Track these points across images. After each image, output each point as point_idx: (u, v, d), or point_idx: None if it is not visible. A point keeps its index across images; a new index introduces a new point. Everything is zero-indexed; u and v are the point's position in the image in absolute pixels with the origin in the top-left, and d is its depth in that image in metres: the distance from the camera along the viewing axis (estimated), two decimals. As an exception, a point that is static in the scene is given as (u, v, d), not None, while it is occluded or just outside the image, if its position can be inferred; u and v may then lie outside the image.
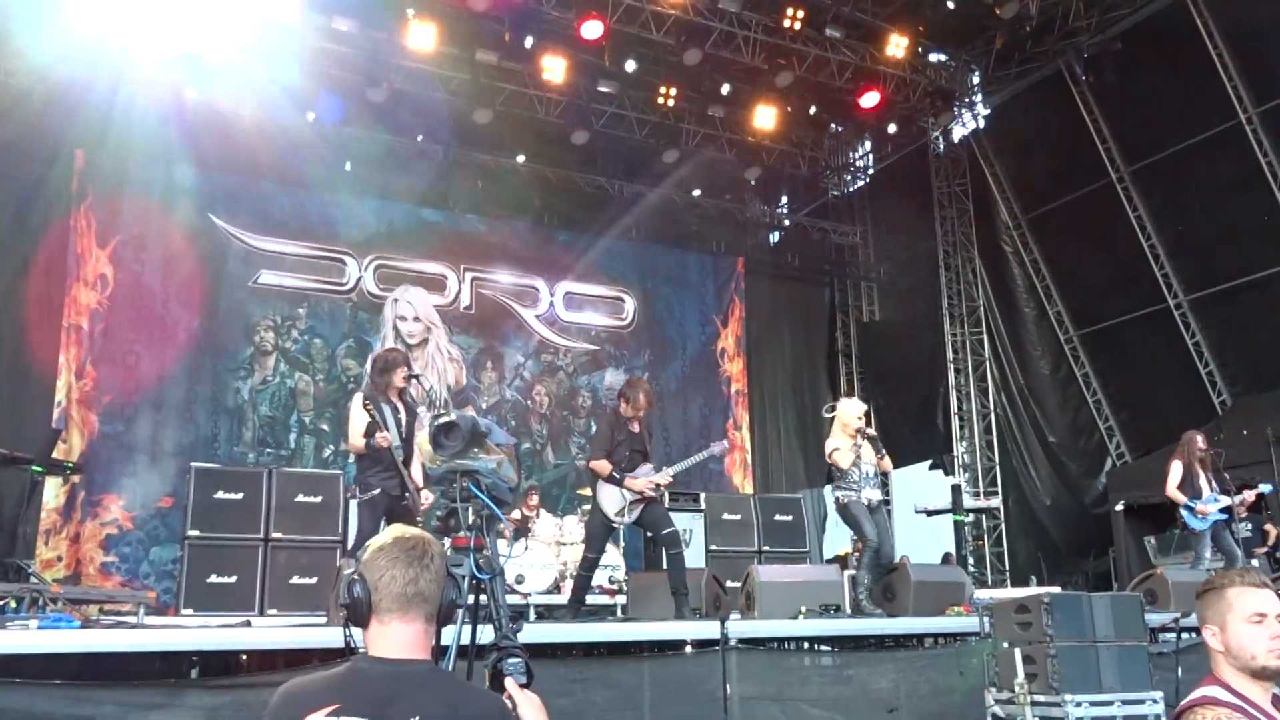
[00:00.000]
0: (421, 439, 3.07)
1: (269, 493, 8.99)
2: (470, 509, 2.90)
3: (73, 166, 11.64)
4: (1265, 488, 9.26)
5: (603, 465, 6.96)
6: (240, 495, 8.88)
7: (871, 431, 7.63)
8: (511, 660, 2.39)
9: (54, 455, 8.89)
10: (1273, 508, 10.83)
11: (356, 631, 2.12)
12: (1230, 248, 12.65)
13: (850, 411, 7.58)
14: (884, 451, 7.61)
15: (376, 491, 6.23)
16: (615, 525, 7.09)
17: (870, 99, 13.43)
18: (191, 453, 11.43)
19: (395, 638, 2.04)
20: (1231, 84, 12.05)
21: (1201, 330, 13.23)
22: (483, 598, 2.86)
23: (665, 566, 7.06)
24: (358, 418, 6.34)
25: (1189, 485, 8.56)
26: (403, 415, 6.43)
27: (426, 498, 6.38)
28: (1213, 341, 13.20)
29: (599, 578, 8.99)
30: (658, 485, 7.06)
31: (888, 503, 7.80)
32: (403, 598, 2.04)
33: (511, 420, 13.44)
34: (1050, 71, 13.57)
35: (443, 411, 2.95)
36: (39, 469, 8.10)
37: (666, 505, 10.75)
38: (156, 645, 4.70)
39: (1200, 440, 8.76)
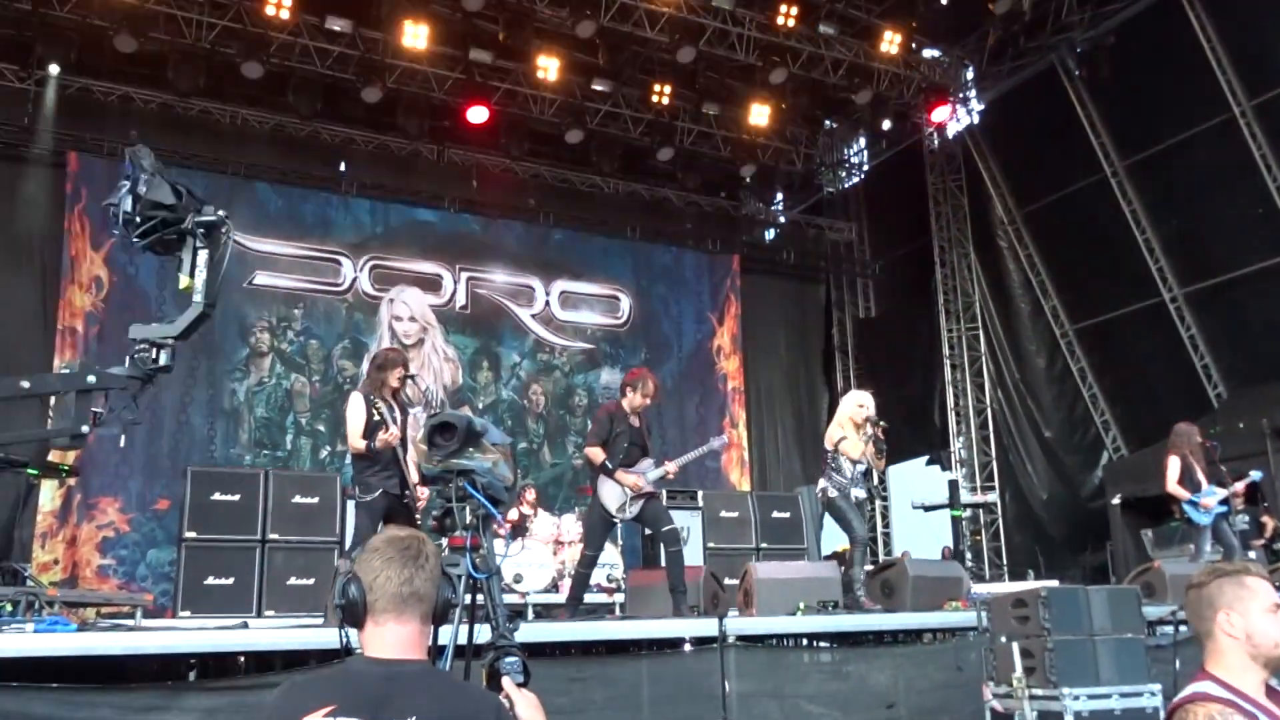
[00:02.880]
0: (417, 439, 3.07)
1: (266, 494, 8.98)
2: (466, 508, 2.89)
3: (66, 169, 11.61)
4: (1255, 475, 9.25)
5: (596, 452, 6.90)
6: (237, 497, 8.87)
7: (879, 431, 7.53)
8: (508, 659, 2.39)
9: (49, 459, 8.87)
10: (1270, 499, 10.84)
11: (352, 632, 2.12)
12: (1224, 241, 12.65)
13: (850, 402, 7.55)
14: (884, 450, 7.57)
15: (378, 493, 6.18)
16: (615, 520, 7.05)
17: (864, 96, 13.46)
18: (188, 455, 11.43)
19: (390, 638, 2.04)
20: (1224, 77, 12.05)
21: (1196, 323, 13.23)
22: (479, 597, 2.86)
23: (664, 564, 7.05)
24: (356, 416, 6.27)
25: (1188, 479, 8.53)
26: (397, 414, 6.40)
27: (423, 493, 6.35)
28: (1207, 335, 13.20)
29: (597, 576, 8.97)
30: (665, 475, 7.05)
31: (873, 501, 7.79)
32: (398, 598, 2.04)
33: (508, 420, 13.43)
34: (1044, 66, 13.58)
35: (438, 411, 2.94)
36: (35, 472, 8.08)
37: (665, 503, 10.79)
38: (153, 648, 4.69)
39: (1195, 433, 8.76)
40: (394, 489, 6.23)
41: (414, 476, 6.22)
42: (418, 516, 6.31)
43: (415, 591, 2.05)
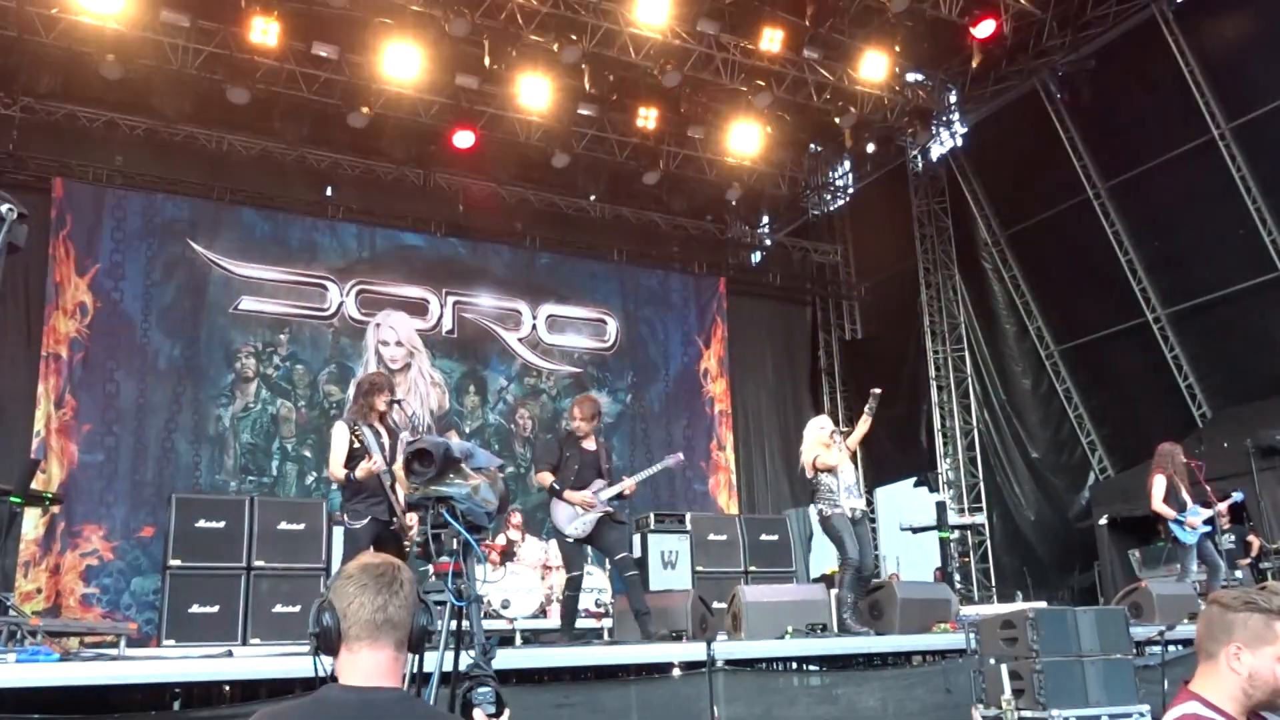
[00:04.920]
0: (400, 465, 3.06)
1: (251, 521, 8.91)
2: (450, 535, 2.88)
3: (51, 195, 11.58)
4: (1237, 496, 9.30)
5: (545, 476, 7.06)
6: (222, 524, 8.80)
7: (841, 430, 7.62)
8: (481, 690, 2.37)
9: (33, 486, 8.79)
10: (1254, 518, 10.88)
11: (329, 660, 2.10)
12: (1206, 261, 12.76)
13: (813, 428, 7.64)
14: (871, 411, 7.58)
15: (366, 520, 6.18)
16: (570, 539, 7.08)
17: (848, 119, 13.59)
18: (172, 481, 11.34)
19: (365, 665, 2.03)
20: (1204, 100, 12.19)
21: (1180, 343, 13.32)
22: (465, 624, 2.84)
23: (623, 590, 7.08)
24: (339, 446, 6.27)
25: (1174, 499, 8.57)
26: (385, 439, 6.38)
27: (412, 520, 6.32)
28: (1191, 354, 13.29)
29: (585, 601, 8.93)
30: (623, 493, 7.06)
31: (871, 516, 7.77)
32: (371, 624, 2.02)
33: (495, 444, 13.37)
34: (1026, 90, 13.73)
35: (416, 438, 2.93)
36: (18, 500, 8.00)
37: (654, 527, 10.76)
38: (138, 677, 4.64)
39: (1179, 453, 8.80)
40: (382, 515, 6.20)
41: (403, 503, 6.20)
42: (406, 543, 6.28)
43: (389, 618, 2.04)
